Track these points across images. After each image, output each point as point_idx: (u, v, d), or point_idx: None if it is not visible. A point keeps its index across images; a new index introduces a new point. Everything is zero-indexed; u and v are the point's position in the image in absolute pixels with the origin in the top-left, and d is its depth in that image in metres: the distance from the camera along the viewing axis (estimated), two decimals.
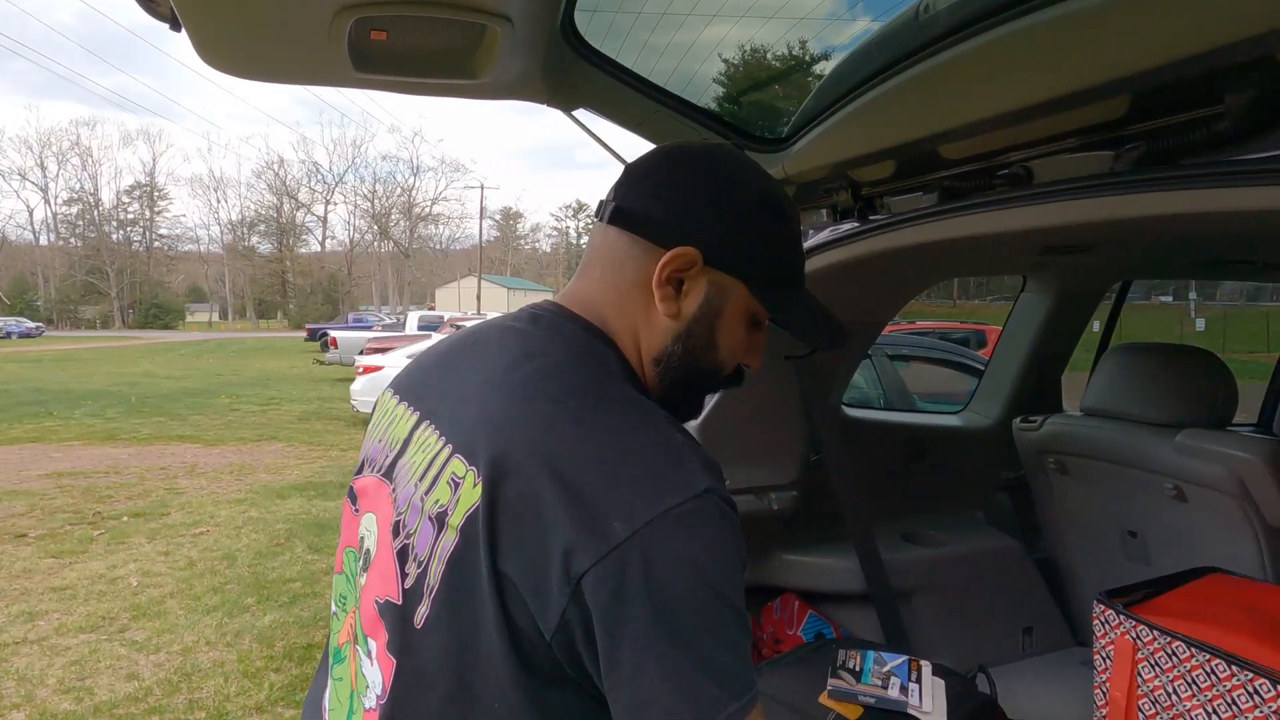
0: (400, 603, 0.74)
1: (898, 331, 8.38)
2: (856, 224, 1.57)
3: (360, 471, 0.91)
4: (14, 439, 9.27)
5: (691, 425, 1.79)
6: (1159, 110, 1.01)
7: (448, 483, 0.72)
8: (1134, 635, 1.55)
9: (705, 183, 0.81)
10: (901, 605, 2.00)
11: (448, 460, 0.74)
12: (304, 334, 30.98)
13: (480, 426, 0.73)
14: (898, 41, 1.28)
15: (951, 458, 2.44)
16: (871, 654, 1.53)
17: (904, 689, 1.45)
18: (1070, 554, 2.27)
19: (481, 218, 54.76)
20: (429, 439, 0.78)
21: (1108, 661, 1.61)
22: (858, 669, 1.48)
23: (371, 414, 0.97)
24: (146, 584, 4.55)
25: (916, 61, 1.23)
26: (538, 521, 0.65)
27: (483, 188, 69.68)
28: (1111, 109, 1.04)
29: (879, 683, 1.46)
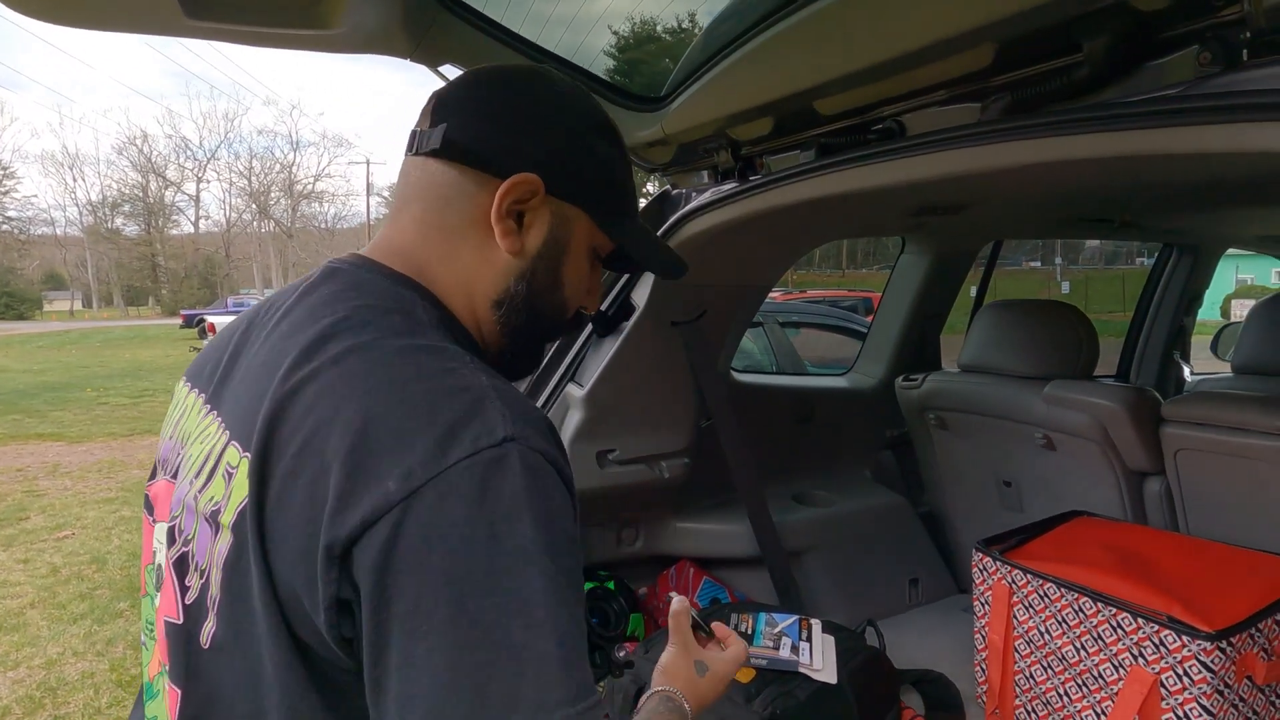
0: (181, 621, 0.64)
1: (792, 300, 8.57)
2: (737, 184, 1.54)
3: (154, 476, 0.80)
4: None
5: (577, 395, 1.74)
6: (1022, 60, 1.02)
7: (222, 475, 0.63)
8: (1009, 580, 1.61)
9: (536, 105, 0.73)
10: (793, 565, 2.03)
11: (224, 449, 0.65)
12: (179, 320, 29.30)
13: (256, 405, 0.63)
14: None
15: (838, 418, 2.48)
16: (763, 615, 1.54)
17: (795, 648, 1.45)
18: (951, 506, 2.36)
19: (369, 194, 52.87)
20: (211, 428, 0.69)
21: (986, 606, 1.67)
22: (749, 632, 1.48)
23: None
24: (2, 595, 4.18)
25: (789, 14, 1.20)
26: (308, 504, 0.56)
27: (369, 163, 67.16)
28: (977, 59, 1.04)
29: (770, 644, 1.46)
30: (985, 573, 1.68)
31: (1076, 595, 1.48)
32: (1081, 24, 0.90)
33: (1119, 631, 1.40)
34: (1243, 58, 0.81)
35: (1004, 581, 1.63)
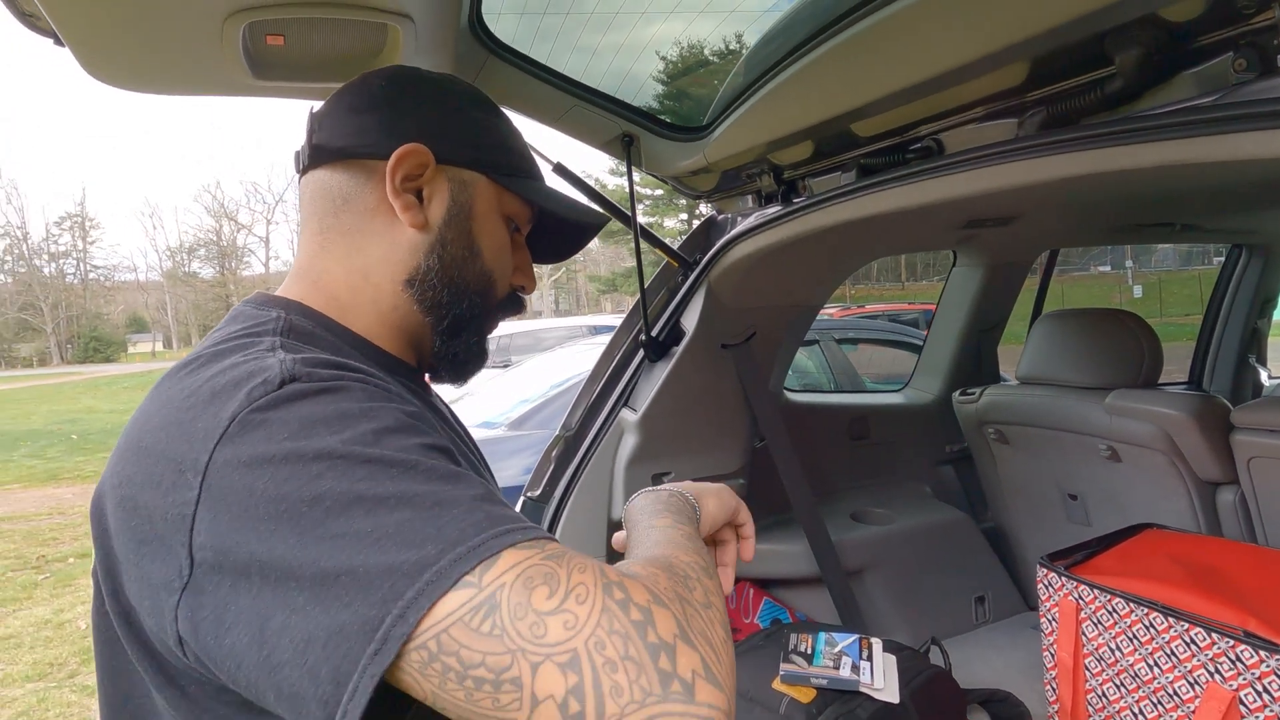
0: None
1: (848, 316, 8.49)
2: (781, 207, 1.57)
3: None
4: None
5: (631, 419, 1.77)
6: (1056, 75, 1.03)
7: None
8: (1076, 596, 1.58)
9: (405, 87, 0.76)
10: (854, 584, 2.02)
11: None
12: None
13: None
14: (806, 21, 1.28)
15: (895, 435, 2.46)
16: (823, 635, 1.54)
17: (855, 668, 1.45)
18: (1015, 521, 2.31)
19: None
20: None
21: (1054, 624, 1.64)
22: (809, 651, 1.48)
23: None
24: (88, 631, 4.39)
25: (825, 40, 1.23)
26: (132, 532, 0.56)
27: None
28: (1011, 75, 1.05)
29: (830, 663, 1.46)
30: (1051, 588, 1.64)
31: (1146, 610, 1.44)
32: (1113, 37, 0.91)
33: (1193, 647, 1.36)
34: (1278, 63, 0.80)
35: (1071, 597, 1.59)
